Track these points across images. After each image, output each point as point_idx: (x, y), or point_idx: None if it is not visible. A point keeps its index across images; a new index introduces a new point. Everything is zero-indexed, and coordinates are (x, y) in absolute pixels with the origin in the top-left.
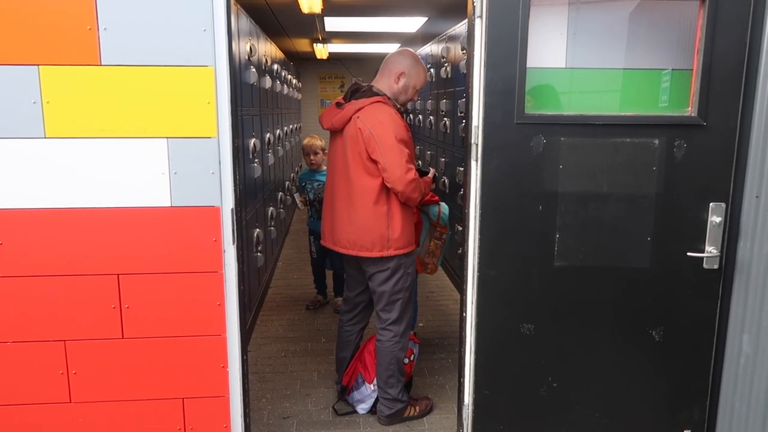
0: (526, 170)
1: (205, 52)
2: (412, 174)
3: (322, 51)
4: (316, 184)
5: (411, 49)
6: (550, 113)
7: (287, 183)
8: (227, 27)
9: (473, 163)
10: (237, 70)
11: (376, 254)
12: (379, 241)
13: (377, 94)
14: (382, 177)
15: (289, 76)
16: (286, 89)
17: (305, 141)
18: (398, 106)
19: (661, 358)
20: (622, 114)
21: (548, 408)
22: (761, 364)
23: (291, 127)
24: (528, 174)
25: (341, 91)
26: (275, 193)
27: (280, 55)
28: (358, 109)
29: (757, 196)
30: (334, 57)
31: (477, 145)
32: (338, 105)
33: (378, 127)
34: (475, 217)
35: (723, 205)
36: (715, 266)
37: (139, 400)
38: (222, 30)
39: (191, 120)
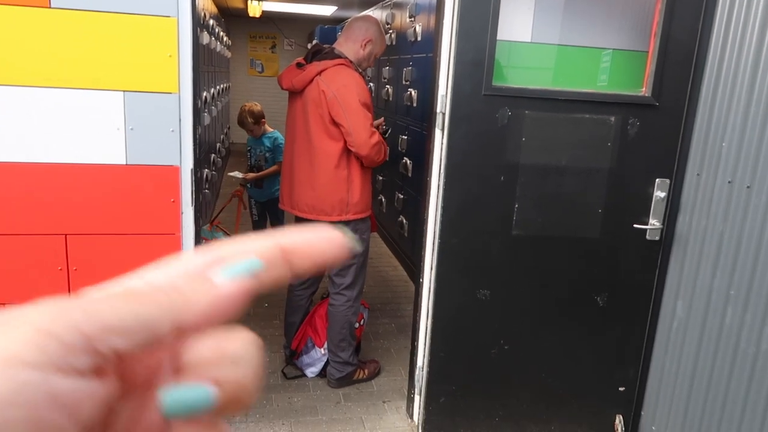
0: (491, 141)
1: (168, 2)
2: (376, 137)
3: (255, 8)
4: (258, 150)
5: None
6: (516, 86)
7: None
8: None
9: (438, 132)
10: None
11: (335, 218)
12: (339, 205)
13: (339, 57)
14: (343, 140)
15: (222, 33)
16: (218, 47)
17: (258, 107)
18: (360, 70)
19: (603, 322)
20: (584, 91)
21: (498, 368)
22: (692, 328)
23: (221, 86)
24: (492, 145)
25: (272, 52)
26: (209, 155)
27: (214, 9)
28: (321, 71)
29: (698, 174)
30: (266, 16)
31: (444, 114)
32: (299, 65)
33: (342, 90)
34: (438, 185)
35: (667, 181)
36: (657, 238)
37: None
38: None
39: (151, 73)
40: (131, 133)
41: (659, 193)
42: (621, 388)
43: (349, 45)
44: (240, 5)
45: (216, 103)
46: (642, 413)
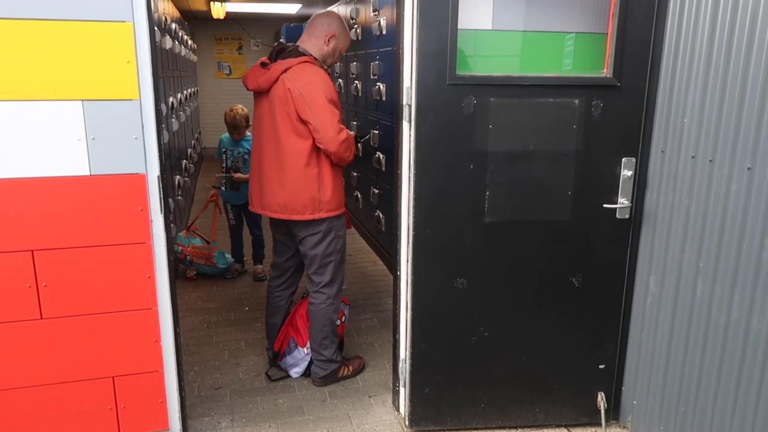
0: (458, 130)
1: (123, 6)
2: (344, 134)
3: (219, 10)
4: (237, 151)
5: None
6: (480, 74)
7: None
8: None
9: (405, 124)
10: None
11: (307, 217)
12: (311, 203)
13: (304, 54)
14: (312, 138)
15: (186, 37)
16: (183, 51)
17: (246, 110)
18: (325, 67)
19: (580, 303)
20: (546, 75)
21: (480, 355)
22: (665, 302)
23: (189, 91)
24: (460, 134)
25: (239, 54)
26: (180, 161)
27: (176, 13)
28: (286, 69)
29: (662, 151)
30: (231, 17)
31: (410, 106)
32: (263, 65)
33: (308, 87)
34: (409, 177)
35: (633, 159)
36: (627, 216)
37: (62, 383)
38: None
39: (109, 81)
40: (93, 142)
41: (626, 172)
42: (601, 366)
43: (313, 42)
44: (203, 7)
45: (184, 108)
46: (623, 389)
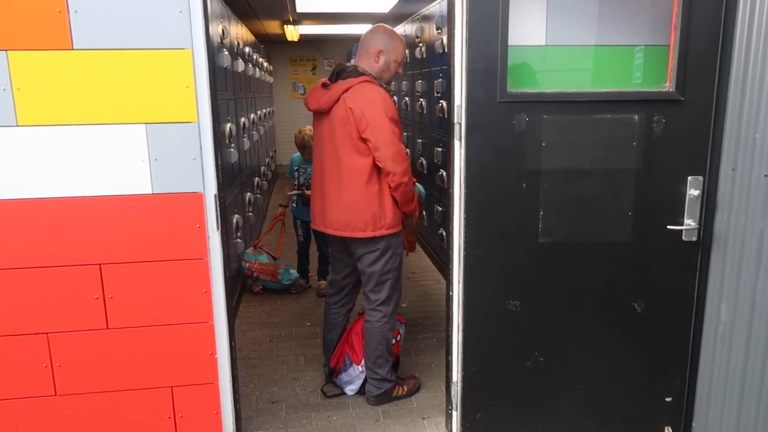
0: (510, 148)
1: (182, 35)
2: (404, 153)
3: (292, 33)
4: (310, 169)
5: (385, 25)
6: (531, 91)
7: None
8: (204, 8)
9: (456, 142)
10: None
11: (368, 234)
12: (372, 220)
13: (363, 74)
14: (372, 156)
15: (261, 59)
16: (258, 73)
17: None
18: (384, 85)
19: (643, 330)
20: (603, 90)
21: (535, 381)
22: (738, 332)
23: (264, 111)
24: (511, 152)
25: (313, 74)
26: (252, 179)
27: (250, 37)
28: (346, 89)
29: (733, 169)
30: (305, 39)
31: (460, 124)
32: (324, 86)
33: (369, 106)
34: (460, 196)
35: (701, 178)
36: (694, 238)
37: (126, 390)
38: (198, 11)
39: (170, 105)
40: (155, 163)
41: (693, 192)
42: (668, 399)
43: (364, 61)
44: (278, 31)
45: (257, 128)
46: (693, 424)
